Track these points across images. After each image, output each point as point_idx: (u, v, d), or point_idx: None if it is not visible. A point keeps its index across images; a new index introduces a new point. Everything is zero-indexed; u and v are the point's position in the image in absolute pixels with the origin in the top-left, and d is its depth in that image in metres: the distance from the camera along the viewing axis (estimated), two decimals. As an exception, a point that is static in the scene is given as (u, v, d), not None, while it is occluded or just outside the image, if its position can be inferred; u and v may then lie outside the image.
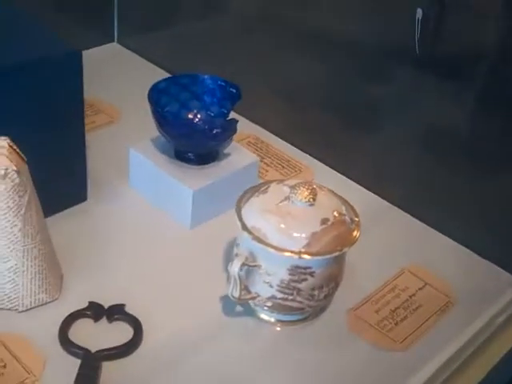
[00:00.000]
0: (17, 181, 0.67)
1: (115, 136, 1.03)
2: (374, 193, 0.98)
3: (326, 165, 1.03)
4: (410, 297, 0.83)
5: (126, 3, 1.24)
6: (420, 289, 0.85)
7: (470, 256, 0.91)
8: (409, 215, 0.95)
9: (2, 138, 0.67)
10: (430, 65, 1.01)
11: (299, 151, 1.05)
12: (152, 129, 0.93)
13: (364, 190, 0.98)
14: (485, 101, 0.96)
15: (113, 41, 1.28)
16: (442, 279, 0.86)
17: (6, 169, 0.66)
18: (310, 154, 1.05)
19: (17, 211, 0.68)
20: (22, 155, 0.68)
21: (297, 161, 1.03)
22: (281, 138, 1.08)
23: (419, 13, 1.00)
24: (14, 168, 0.66)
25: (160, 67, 1.21)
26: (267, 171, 0.99)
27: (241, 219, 0.72)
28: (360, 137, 1.04)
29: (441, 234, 0.93)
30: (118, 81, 1.15)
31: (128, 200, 0.91)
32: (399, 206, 0.96)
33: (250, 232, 0.70)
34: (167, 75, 1.14)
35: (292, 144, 1.07)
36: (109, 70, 1.20)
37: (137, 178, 0.91)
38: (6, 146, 0.66)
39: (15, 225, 0.69)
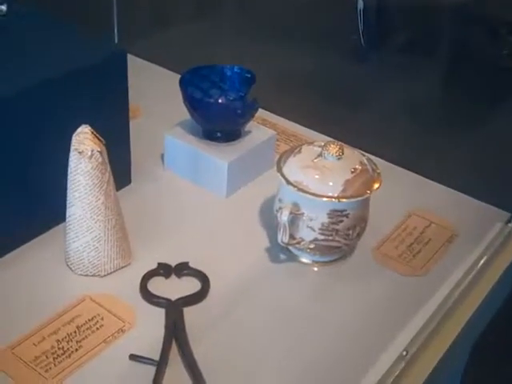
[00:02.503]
0: (100, 160, 0.79)
1: (141, 128, 1.14)
2: (374, 155, 1.12)
3: (327, 136, 1.16)
4: (420, 234, 0.98)
5: (125, 11, 1.36)
6: (427, 227, 1.00)
7: (463, 197, 1.06)
8: (408, 171, 1.11)
9: (84, 125, 0.79)
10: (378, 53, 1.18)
11: (301, 127, 1.20)
12: (173, 118, 1.08)
13: (365, 153, 1.12)
14: (447, 70, 1.13)
15: (114, 48, 1.39)
16: (443, 218, 1.01)
17: (92, 150, 0.78)
18: (311, 129, 1.19)
19: (100, 187, 0.81)
20: (101, 139, 0.80)
21: (301, 134, 1.17)
22: (283, 117, 1.22)
23: (360, 4, 1.16)
24: (98, 149, 0.79)
25: (163, 67, 1.34)
26: (278, 145, 1.12)
27: (284, 176, 0.86)
28: (353, 110, 1.19)
29: (437, 183, 1.08)
30: (129, 83, 1.27)
31: (167, 180, 1.05)
32: (398, 164, 1.11)
33: (293, 185, 0.84)
34: (172, 74, 1.28)
35: (294, 121, 1.21)
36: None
37: (172, 160, 1.04)
38: (89, 132, 0.79)
39: (99, 199, 0.81)
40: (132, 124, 1.15)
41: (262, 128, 1.07)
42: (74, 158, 0.79)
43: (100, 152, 0.79)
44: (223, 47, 1.29)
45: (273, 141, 1.06)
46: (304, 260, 0.91)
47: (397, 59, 1.20)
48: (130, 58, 1.38)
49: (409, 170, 1.11)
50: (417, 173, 1.10)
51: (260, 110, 1.20)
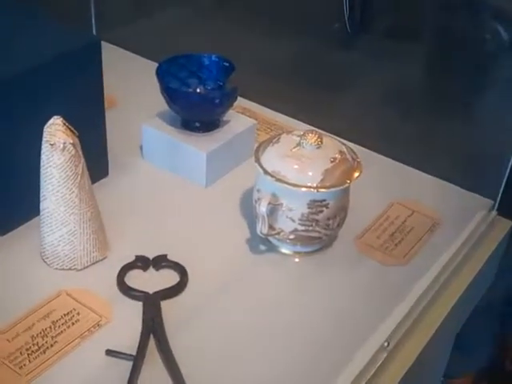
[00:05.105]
0: (73, 152, 0.78)
1: (117, 119, 1.12)
2: (355, 143, 1.10)
3: (309, 124, 1.15)
4: (403, 223, 0.97)
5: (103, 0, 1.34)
6: (409, 216, 0.98)
7: (445, 186, 1.05)
8: (390, 159, 1.09)
9: (56, 117, 0.77)
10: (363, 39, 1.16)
11: (282, 115, 1.18)
12: (150, 109, 1.05)
13: (346, 141, 1.10)
14: (431, 55, 1.12)
15: (92, 37, 1.37)
16: (426, 207, 1.00)
17: (64, 142, 0.76)
18: (292, 117, 1.17)
19: (74, 179, 0.79)
20: (74, 130, 0.78)
21: (282, 123, 1.16)
22: (264, 106, 1.20)
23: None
24: (71, 141, 0.77)
25: (142, 56, 1.32)
26: (259, 135, 1.11)
27: (262, 166, 0.84)
28: (335, 98, 1.18)
29: (419, 171, 1.07)
30: (106, 72, 1.24)
31: (145, 170, 1.03)
32: (381, 153, 1.10)
33: (271, 175, 0.83)
34: (151, 63, 1.26)
35: (275, 110, 1.19)
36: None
37: (150, 150, 1.03)
38: (61, 123, 0.77)
39: (73, 192, 0.79)
40: (109, 114, 1.13)
41: (242, 117, 1.06)
42: (45, 151, 0.77)
43: (73, 144, 0.77)
44: (203, 35, 1.27)
45: (253, 130, 1.04)
46: (285, 251, 0.90)
47: (381, 45, 1.18)
48: (109, 47, 1.37)
49: (391, 158, 1.09)
50: (399, 161, 1.09)
51: (240, 98, 1.18)
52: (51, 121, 0.77)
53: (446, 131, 1.06)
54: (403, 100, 1.14)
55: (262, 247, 0.91)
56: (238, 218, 0.95)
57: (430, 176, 1.06)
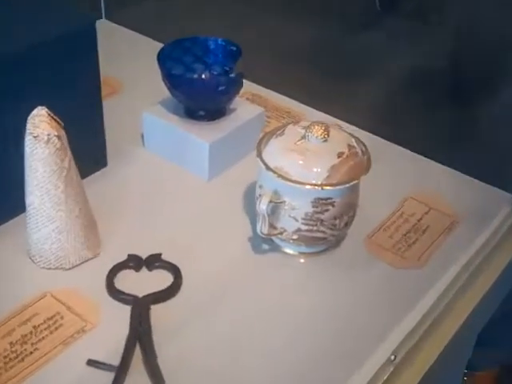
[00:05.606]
0: (58, 145, 0.72)
1: (120, 105, 1.07)
2: (370, 132, 1.04)
3: (323, 112, 1.08)
4: (418, 221, 0.90)
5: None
6: (426, 213, 0.92)
7: (466, 180, 0.98)
8: (404, 149, 1.02)
9: (40, 107, 0.72)
10: (393, 18, 1.09)
11: (296, 102, 1.11)
12: (156, 95, 1.00)
13: (361, 130, 1.04)
14: (453, 42, 1.04)
15: (101, 17, 1.32)
16: (444, 203, 0.93)
17: (49, 134, 0.71)
18: (306, 104, 1.11)
19: (59, 174, 0.74)
20: (59, 121, 0.73)
21: (295, 111, 1.09)
22: (276, 92, 1.13)
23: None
24: (56, 133, 0.71)
25: (152, 38, 1.26)
26: (269, 122, 1.04)
27: (263, 161, 0.78)
28: (349, 84, 1.11)
29: (437, 163, 1.00)
30: (113, 55, 1.19)
31: (146, 161, 0.97)
32: (394, 142, 1.03)
33: (274, 171, 0.77)
34: (160, 45, 1.19)
35: (288, 96, 1.12)
36: (102, 46, 1.24)
37: (152, 139, 0.97)
38: (45, 114, 0.72)
39: (58, 187, 0.74)
40: (112, 100, 1.09)
41: (250, 105, 1.00)
42: (29, 143, 0.72)
43: (58, 136, 0.72)
44: (214, 16, 1.21)
45: (261, 119, 0.98)
46: (289, 251, 0.84)
47: (410, 25, 1.11)
48: (118, 28, 1.32)
49: (407, 148, 1.02)
50: (416, 151, 1.02)
51: (251, 83, 1.12)
52: (35, 111, 0.72)
53: (468, 120, 0.99)
54: (423, 86, 1.07)
55: (265, 247, 0.85)
56: (241, 214, 0.89)
57: (448, 168, 0.99)
